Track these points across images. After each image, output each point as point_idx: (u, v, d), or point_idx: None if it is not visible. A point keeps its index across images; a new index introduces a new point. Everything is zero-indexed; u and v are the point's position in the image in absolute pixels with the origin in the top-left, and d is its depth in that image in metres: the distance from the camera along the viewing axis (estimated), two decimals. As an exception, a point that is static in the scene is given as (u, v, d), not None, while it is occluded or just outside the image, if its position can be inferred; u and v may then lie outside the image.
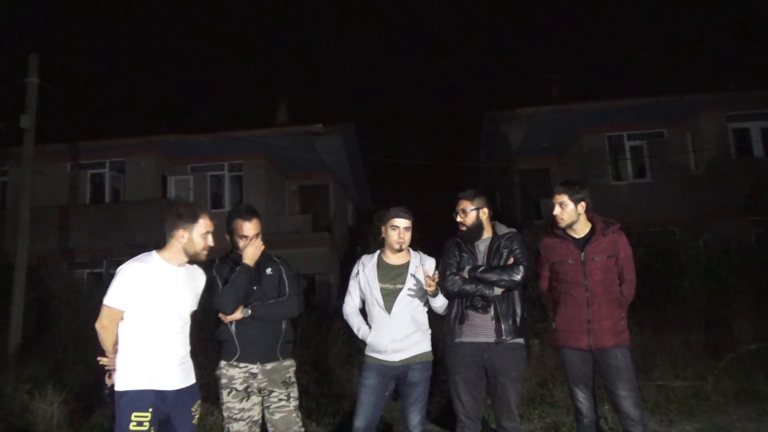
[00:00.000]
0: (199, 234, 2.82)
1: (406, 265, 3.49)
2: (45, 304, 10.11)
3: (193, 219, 2.82)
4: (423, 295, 3.44)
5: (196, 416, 2.86)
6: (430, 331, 3.54)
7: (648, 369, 6.01)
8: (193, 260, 2.89)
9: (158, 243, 2.91)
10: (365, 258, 3.62)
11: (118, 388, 2.68)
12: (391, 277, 3.48)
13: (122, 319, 2.73)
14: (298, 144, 15.76)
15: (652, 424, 4.89)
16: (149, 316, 2.72)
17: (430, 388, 5.59)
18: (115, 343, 2.75)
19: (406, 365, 3.40)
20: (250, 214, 3.31)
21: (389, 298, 3.43)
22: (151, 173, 15.89)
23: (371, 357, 3.47)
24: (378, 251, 3.62)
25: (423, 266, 3.42)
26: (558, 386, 5.62)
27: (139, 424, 2.61)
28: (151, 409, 2.64)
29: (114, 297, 2.70)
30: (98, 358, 2.83)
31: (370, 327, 3.50)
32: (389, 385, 3.45)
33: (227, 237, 3.37)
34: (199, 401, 2.90)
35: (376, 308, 3.46)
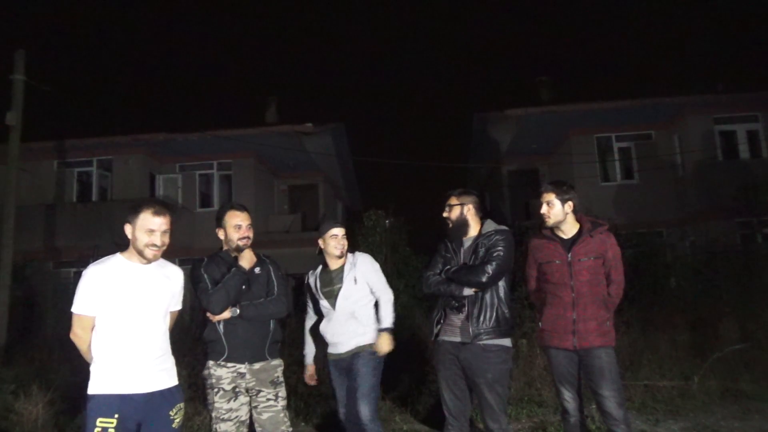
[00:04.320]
0: (141, 229, 2.69)
1: (342, 267, 3.74)
2: (31, 303, 10.01)
3: (135, 213, 2.71)
4: (359, 291, 3.67)
5: (177, 420, 2.73)
6: (375, 326, 3.69)
7: (635, 369, 6.05)
8: (145, 258, 2.72)
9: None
10: (310, 273, 3.91)
11: (87, 392, 2.61)
12: (331, 280, 3.74)
13: (94, 325, 2.65)
14: (287, 143, 15.72)
15: (638, 424, 4.93)
16: (117, 317, 2.63)
17: (419, 388, 5.69)
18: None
19: (352, 355, 3.62)
20: (243, 206, 3.43)
21: (332, 299, 3.69)
22: (138, 172, 15.78)
23: (329, 354, 3.74)
24: (320, 266, 3.86)
25: (355, 265, 3.71)
26: (546, 386, 5.64)
27: (104, 430, 2.51)
28: (116, 415, 2.54)
29: (81, 303, 2.62)
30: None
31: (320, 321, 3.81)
32: (348, 378, 3.67)
33: (218, 233, 3.37)
34: (180, 405, 2.76)
35: (324, 307, 3.74)
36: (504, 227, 3.54)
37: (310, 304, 3.94)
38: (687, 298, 8.15)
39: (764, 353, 6.34)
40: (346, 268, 3.72)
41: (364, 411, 3.46)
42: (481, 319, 3.31)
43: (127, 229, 2.72)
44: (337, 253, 3.70)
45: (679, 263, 9.34)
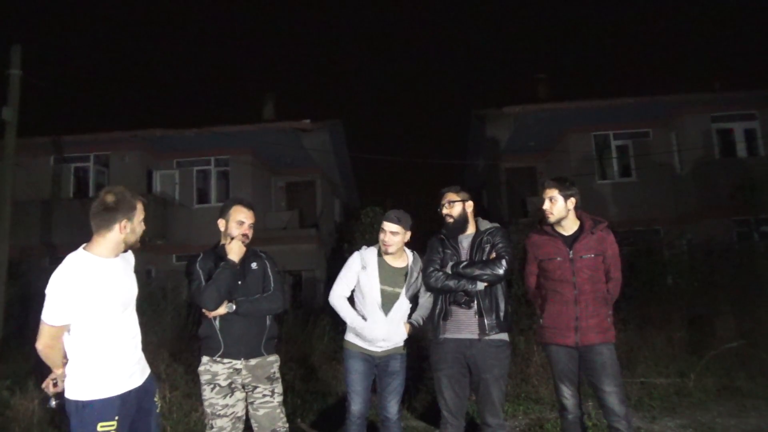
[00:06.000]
0: (138, 221, 2.62)
1: (404, 269, 3.60)
2: (27, 299, 9.97)
3: (133, 208, 2.59)
4: (413, 298, 3.61)
5: (159, 404, 2.77)
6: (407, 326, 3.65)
7: (631, 366, 6.07)
8: (132, 249, 2.67)
9: (75, 242, 2.63)
10: (366, 255, 3.63)
11: (78, 398, 2.46)
12: (392, 280, 3.57)
13: (68, 331, 2.47)
14: (285, 140, 15.68)
15: (635, 421, 4.93)
16: (99, 318, 2.48)
17: (416, 385, 5.70)
18: (63, 356, 2.52)
19: (388, 356, 3.55)
20: (249, 204, 3.42)
21: (388, 300, 3.53)
22: (136, 168, 15.73)
23: (354, 344, 3.57)
24: (376, 248, 3.65)
25: (415, 269, 3.59)
26: (543, 383, 5.66)
27: None
28: (117, 417, 2.48)
29: (54, 314, 2.41)
30: (44, 385, 2.60)
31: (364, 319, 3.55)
32: (373, 372, 3.56)
33: (219, 223, 3.36)
34: (157, 390, 2.79)
35: (374, 307, 3.52)
36: (497, 224, 3.61)
37: (347, 281, 3.62)
38: (684, 296, 8.16)
39: (760, 351, 6.36)
40: (410, 272, 3.58)
41: (394, 409, 3.52)
42: (493, 314, 3.37)
43: (123, 224, 2.55)
44: (384, 248, 3.54)
45: (675, 261, 9.35)
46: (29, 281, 10.83)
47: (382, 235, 3.55)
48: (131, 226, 2.59)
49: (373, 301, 3.52)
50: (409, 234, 3.60)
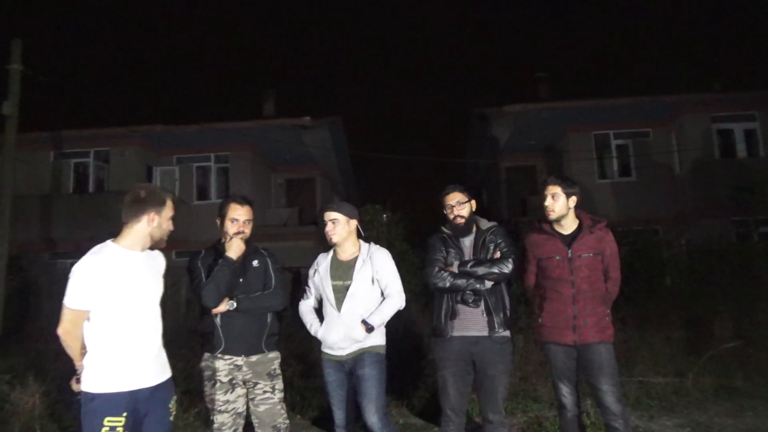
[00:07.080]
0: (167, 218, 2.67)
1: (354, 261, 3.39)
2: (26, 294, 9.99)
3: (162, 202, 2.66)
4: (372, 293, 3.37)
5: (173, 413, 2.70)
6: (382, 329, 3.41)
7: (630, 365, 6.08)
8: (155, 246, 2.70)
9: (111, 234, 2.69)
10: (321, 257, 3.55)
11: (87, 389, 2.46)
12: (341, 273, 3.40)
13: (88, 318, 2.49)
14: (285, 137, 15.68)
15: (632, 420, 4.96)
16: (118, 310, 2.49)
17: (415, 382, 5.71)
18: (83, 346, 2.53)
19: (353, 358, 3.33)
20: (245, 199, 3.38)
21: (340, 296, 3.35)
22: (135, 163, 15.73)
23: (325, 353, 3.42)
24: (332, 249, 3.51)
25: (370, 260, 3.37)
26: (541, 381, 5.67)
27: (112, 429, 2.41)
28: (125, 414, 2.45)
29: (75, 298, 2.44)
30: (71, 381, 2.61)
31: (322, 322, 3.45)
32: (346, 378, 3.39)
33: (218, 222, 3.37)
34: (175, 397, 2.73)
35: (327, 306, 3.40)
36: (495, 223, 3.62)
37: (311, 292, 3.54)
38: (682, 296, 8.17)
39: (758, 351, 6.39)
40: (358, 263, 3.36)
41: (373, 418, 3.23)
42: (501, 312, 3.41)
43: (151, 217, 2.61)
44: (328, 239, 3.39)
45: (674, 261, 9.35)
46: (29, 276, 10.85)
47: (325, 228, 3.41)
48: (159, 220, 2.65)
49: (326, 298, 3.40)
50: (354, 222, 3.44)
